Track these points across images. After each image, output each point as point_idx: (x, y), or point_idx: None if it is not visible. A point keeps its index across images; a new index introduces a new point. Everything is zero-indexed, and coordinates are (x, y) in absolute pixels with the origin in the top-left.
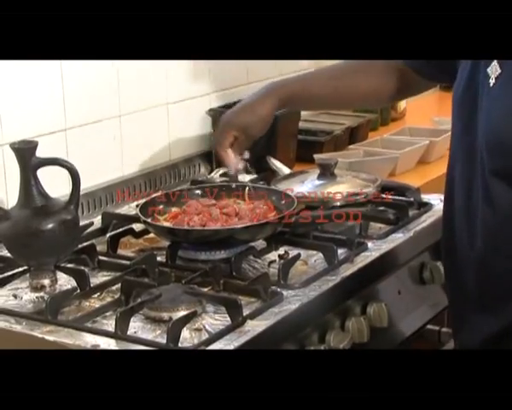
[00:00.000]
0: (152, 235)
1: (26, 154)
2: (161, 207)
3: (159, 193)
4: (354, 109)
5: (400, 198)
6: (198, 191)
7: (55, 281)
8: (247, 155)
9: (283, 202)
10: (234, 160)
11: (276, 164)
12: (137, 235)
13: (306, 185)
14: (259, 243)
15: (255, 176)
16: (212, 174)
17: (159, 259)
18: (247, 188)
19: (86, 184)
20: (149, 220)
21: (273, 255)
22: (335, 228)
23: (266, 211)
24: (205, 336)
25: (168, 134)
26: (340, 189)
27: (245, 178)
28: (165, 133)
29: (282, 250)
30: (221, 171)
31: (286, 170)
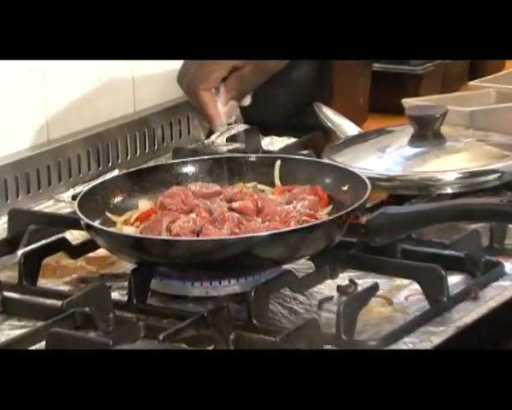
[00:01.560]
0: (102, 251)
1: None
2: (119, 198)
3: (114, 173)
4: None
5: None
6: (187, 169)
7: None
8: (248, 100)
9: (346, 187)
10: (223, 108)
11: (333, 117)
12: (75, 251)
13: (390, 157)
14: (302, 266)
15: (293, 140)
16: (213, 138)
17: (115, 295)
18: (279, 162)
19: None
20: (97, 224)
21: (328, 288)
22: (444, 236)
23: (314, 205)
24: None
25: (131, 66)
26: (452, 163)
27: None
28: (126, 65)
29: (344, 278)
30: (230, 131)
31: (350, 128)
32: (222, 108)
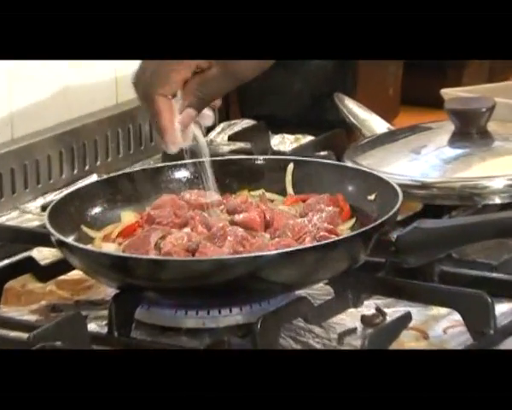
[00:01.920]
0: (77, 274)
1: None
2: (98, 209)
3: (92, 178)
4: None
5: None
6: (180, 174)
7: None
8: (210, 120)
9: (372, 196)
10: (178, 116)
11: (357, 111)
12: (44, 273)
13: (426, 160)
14: (319, 292)
15: (309, 138)
16: (212, 135)
17: (92, 327)
18: (292, 166)
19: None
20: (71, 240)
21: (350, 318)
22: (492, 256)
23: (334, 217)
24: None
25: None
26: (500, 167)
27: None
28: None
29: (369, 306)
30: (233, 127)
31: (378, 124)
32: (177, 115)
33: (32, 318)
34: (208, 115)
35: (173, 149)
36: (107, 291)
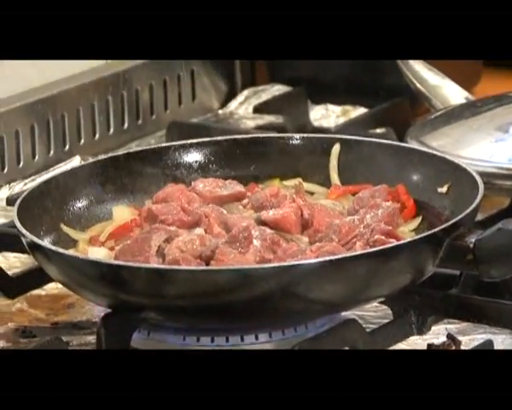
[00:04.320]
0: (55, 287)
1: None
2: (82, 203)
3: (74, 162)
4: None
5: None
6: (190, 157)
7: None
8: None
9: (444, 188)
10: None
11: (425, 75)
12: (12, 287)
13: None
14: (373, 314)
15: (361, 111)
16: (233, 106)
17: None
18: (338, 147)
19: None
20: (47, 243)
21: (414, 348)
22: None
23: (394, 216)
24: None
25: None
26: None
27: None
28: None
29: (438, 333)
30: (260, 95)
31: (454, 92)
32: None
33: None
34: None
35: None
36: (95, 311)
